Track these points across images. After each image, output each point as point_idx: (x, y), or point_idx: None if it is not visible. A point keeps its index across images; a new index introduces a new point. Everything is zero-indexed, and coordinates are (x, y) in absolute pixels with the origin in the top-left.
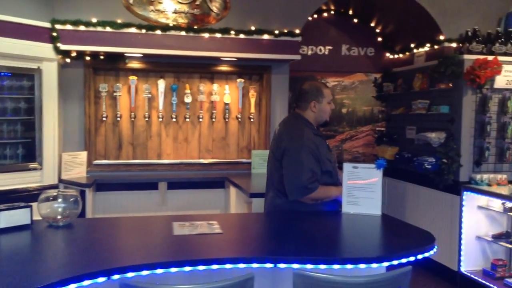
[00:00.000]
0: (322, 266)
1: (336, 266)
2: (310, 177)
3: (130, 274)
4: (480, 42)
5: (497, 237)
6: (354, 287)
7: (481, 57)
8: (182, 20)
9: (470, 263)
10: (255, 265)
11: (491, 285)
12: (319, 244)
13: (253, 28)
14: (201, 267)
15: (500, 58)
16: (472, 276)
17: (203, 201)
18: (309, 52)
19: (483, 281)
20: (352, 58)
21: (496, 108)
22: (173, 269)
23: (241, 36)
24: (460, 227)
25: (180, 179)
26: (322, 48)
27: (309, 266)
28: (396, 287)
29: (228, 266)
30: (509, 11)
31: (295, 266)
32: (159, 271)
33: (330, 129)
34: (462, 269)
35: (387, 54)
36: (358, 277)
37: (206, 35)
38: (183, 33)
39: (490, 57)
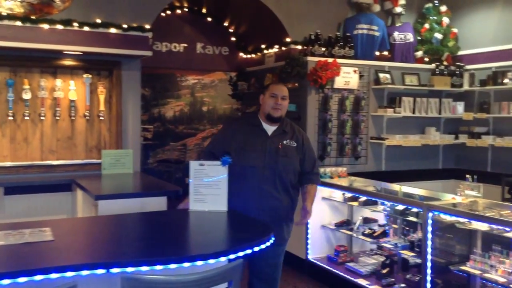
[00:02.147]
0: (159, 267)
1: (173, 266)
2: (208, 148)
3: None
4: (322, 45)
5: (339, 225)
6: (185, 285)
7: (323, 59)
8: (18, 10)
9: (316, 250)
10: (85, 272)
11: (334, 270)
12: (158, 245)
13: (99, 21)
14: (22, 279)
15: (339, 60)
16: (318, 262)
17: (47, 206)
18: (164, 49)
19: (327, 267)
20: (207, 56)
21: (336, 106)
22: None
23: (86, 28)
24: None
25: (19, 183)
26: (176, 45)
27: (144, 268)
28: (228, 281)
29: (54, 275)
30: (347, 17)
31: (130, 269)
32: None
33: (191, 127)
34: (309, 257)
35: (241, 54)
36: (190, 274)
37: (46, 26)
38: (18, 23)
39: (330, 59)
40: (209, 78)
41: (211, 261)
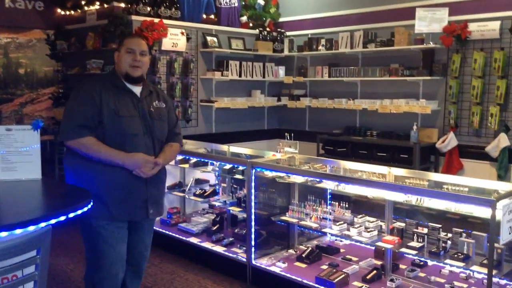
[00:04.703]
0: None
1: None
2: (79, 121)
3: None
4: (147, 4)
5: (172, 188)
6: None
7: (148, 19)
8: None
9: None
10: None
11: (167, 232)
12: None
13: None
14: None
15: (166, 21)
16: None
17: None
18: None
19: (161, 230)
20: (19, 11)
21: (165, 69)
22: None
23: None
24: None
25: None
26: None
27: None
28: (36, 248)
29: None
30: None
31: None
32: None
33: (5, 92)
34: None
35: (59, 10)
36: None
37: None
38: None
39: (156, 20)
40: (25, 37)
41: (18, 231)
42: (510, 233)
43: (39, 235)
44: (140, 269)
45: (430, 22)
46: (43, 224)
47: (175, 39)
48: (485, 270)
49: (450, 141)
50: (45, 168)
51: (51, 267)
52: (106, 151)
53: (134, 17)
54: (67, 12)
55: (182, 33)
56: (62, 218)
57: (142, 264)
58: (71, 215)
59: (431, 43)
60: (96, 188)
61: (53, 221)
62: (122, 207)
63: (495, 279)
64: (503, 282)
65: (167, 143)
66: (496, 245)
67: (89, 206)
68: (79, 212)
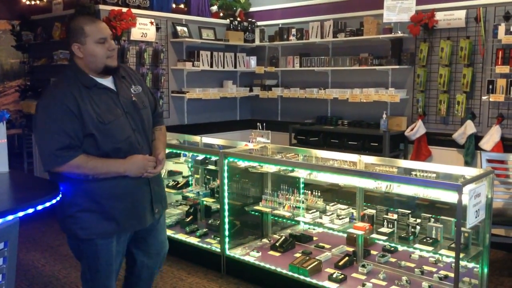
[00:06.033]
0: None
1: None
2: (62, 142)
3: None
4: None
5: None
6: None
7: (116, 8)
8: None
9: None
10: None
11: None
12: None
13: None
14: None
15: (134, 11)
16: None
17: None
18: None
19: None
20: None
21: (134, 59)
22: None
23: None
24: None
25: None
26: None
27: None
28: (4, 241)
29: None
30: None
31: None
32: None
33: None
34: None
35: (24, 0)
36: None
37: None
38: None
39: (124, 9)
40: None
41: None
42: (476, 217)
43: (6, 227)
44: (161, 264)
45: (398, 11)
46: (10, 217)
47: (144, 29)
48: (453, 254)
49: (418, 129)
50: (14, 162)
51: (21, 263)
52: (102, 165)
53: (101, 7)
54: (33, 2)
55: (152, 23)
56: (30, 210)
57: (163, 259)
58: (39, 207)
59: (399, 32)
60: (98, 205)
61: (20, 214)
62: (132, 216)
63: (462, 263)
64: (471, 265)
65: (154, 128)
66: (463, 229)
67: (58, 198)
68: (48, 204)
